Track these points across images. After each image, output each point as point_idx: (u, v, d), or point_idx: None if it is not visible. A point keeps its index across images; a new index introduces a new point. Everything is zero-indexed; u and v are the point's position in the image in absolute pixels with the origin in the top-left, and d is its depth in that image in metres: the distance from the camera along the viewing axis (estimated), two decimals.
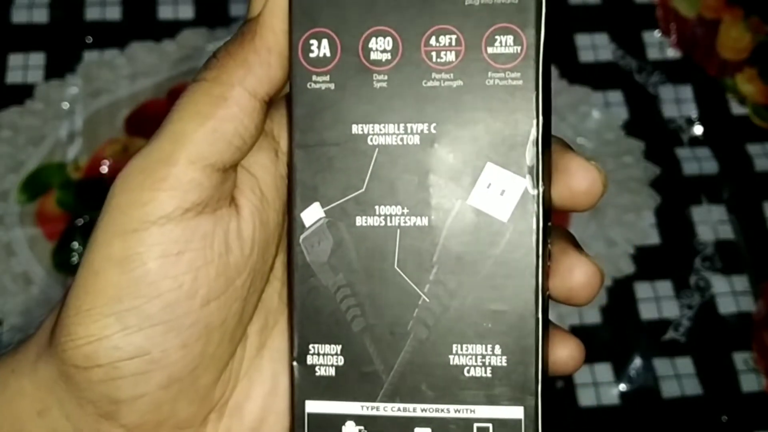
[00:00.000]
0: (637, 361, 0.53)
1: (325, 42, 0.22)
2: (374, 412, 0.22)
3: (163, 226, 0.20)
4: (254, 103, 0.21)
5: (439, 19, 0.22)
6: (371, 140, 0.22)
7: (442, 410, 0.22)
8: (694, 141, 0.60)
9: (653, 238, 0.56)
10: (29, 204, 0.54)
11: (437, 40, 0.22)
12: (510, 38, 0.21)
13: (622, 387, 0.52)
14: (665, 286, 0.55)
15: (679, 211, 0.57)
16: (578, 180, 0.21)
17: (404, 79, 0.22)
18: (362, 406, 0.22)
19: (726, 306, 0.55)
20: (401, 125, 0.22)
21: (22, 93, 0.58)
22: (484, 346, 0.22)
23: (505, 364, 0.21)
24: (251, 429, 0.23)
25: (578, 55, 0.61)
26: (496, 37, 0.21)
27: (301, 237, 0.22)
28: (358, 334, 0.22)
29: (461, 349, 0.22)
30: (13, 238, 0.53)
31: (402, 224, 0.22)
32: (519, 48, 0.21)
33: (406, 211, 0.22)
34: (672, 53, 0.62)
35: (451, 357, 0.22)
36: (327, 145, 0.22)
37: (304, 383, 0.22)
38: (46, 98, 0.58)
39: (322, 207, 0.22)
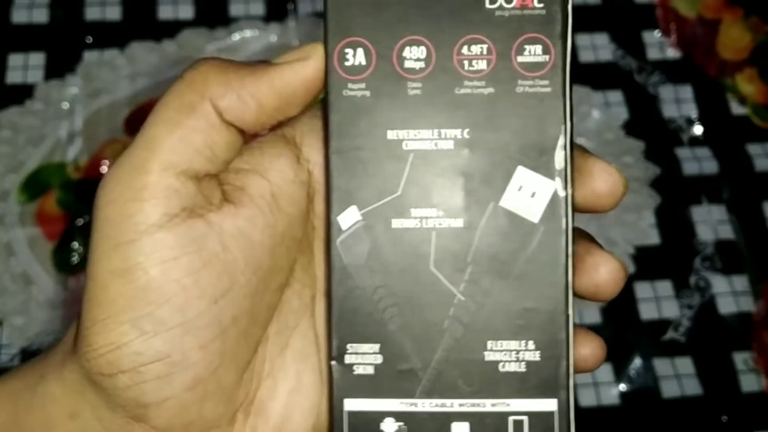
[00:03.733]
0: (637, 361, 0.53)
1: (360, 51, 0.23)
2: (412, 408, 0.23)
3: (154, 235, 0.21)
4: (221, 123, 0.22)
5: (471, 29, 0.22)
6: (406, 145, 0.23)
7: (479, 405, 0.22)
8: (694, 141, 0.60)
9: (653, 238, 0.56)
10: (29, 204, 0.54)
11: (469, 49, 0.22)
12: (538, 48, 0.22)
13: (622, 387, 0.52)
14: (665, 286, 0.55)
15: (679, 211, 0.57)
16: (601, 182, 0.22)
17: (437, 86, 0.23)
18: (401, 403, 0.23)
19: (726, 306, 0.55)
20: (435, 131, 0.23)
21: (22, 93, 0.58)
22: (518, 342, 0.22)
23: (538, 359, 0.22)
24: (276, 427, 0.23)
25: (578, 55, 0.61)
26: (525, 46, 0.22)
27: (338, 240, 0.23)
28: (395, 333, 0.23)
29: (496, 345, 0.22)
30: (13, 238, 0.53)
31: (437, 226, 0.23)
32: (547, 57, 0.22)
33: (441, 213, 0.23)
34: (672, 53, 0.62)
35: (486, 353, 0.22)
36: (363, 150, 0.23)
37: (342, 382, 0.23)
38: (46, 98, 0.58)
39: (359, 210, 0.23)
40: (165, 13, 0.61)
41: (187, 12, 0.61)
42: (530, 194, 0.22)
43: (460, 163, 0.22)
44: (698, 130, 0.60)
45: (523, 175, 0.22)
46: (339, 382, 0.23)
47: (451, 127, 0.22)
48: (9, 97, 0.57)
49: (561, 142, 0.22)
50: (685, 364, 0.53)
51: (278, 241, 0.23)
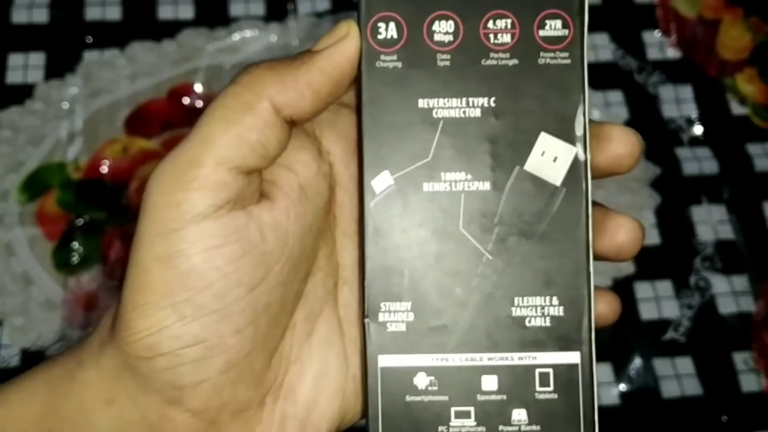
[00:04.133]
0: (637, 361, 0.53)
1: (392, 25, 0.24)
2: (443, 363, 0.24)
3: (199, 224, 0.22)
4: (277, 120, 0.23)
5: (496, 5, 0.24)
6: (436, 113, 0.24)
7: (507, 358, 0.24)
8: (694, 141, 0.60)
9: (653, 238, 0.56)
10: (29, 204, 0.54)
11: (494, 24, 0.24)
12: (559, 22, 0.24)
13: (622, 387, 0.52)
14: (665, 286, 0.55)
15: (679, 211, 0.57)
16: (620, 144, 0.24)
17: (465, 58, 0.24)
18: (432, 358, 0.24)
19: (726, 306, 0.55)
20: (463, 99, 0.24)
21: (22, 93, 0.58)
22: (543, 297, 0.24)
23: (562, 314, 0.24)
24: (305, 410, 0.24)
25: None
26: (546, 21, 0.24)
27: (372, 203, 0.24)
28: (426, 291, 0.24)
29: (522, 302, 0.24)
30: (13, 238, 0.53)
31: (466, 189, 0.24)
32: (567, 31, 0.24)
33: (469, 177, 0.24)
34: (672, 53, 0.62)
35: (513, 309, 0.24)
36: (395, 118, 0.24)
37: (376, 339, 0.24)
38: (46, 98, 0.58)
39: (392, 175, 0.24)
40: (165, 13, 0.61)
41: (187, 12, 0.61)
42: (552, 158, 0.24)
43: (486, 129, 0.24)
44: (698, 130, 0.60)
45: (545, 140, 0.24)
46: (373, 340, 0.24)
47: (478, 95, 0.24)
48: (9, 97, 0.57)
49: (581, 109, 0.24)
50: (685, 364, 0.53)
51: (307, 231, 0.24)
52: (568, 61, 0.24)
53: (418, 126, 0.24)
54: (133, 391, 0.22)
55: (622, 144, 0.24)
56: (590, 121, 0.24)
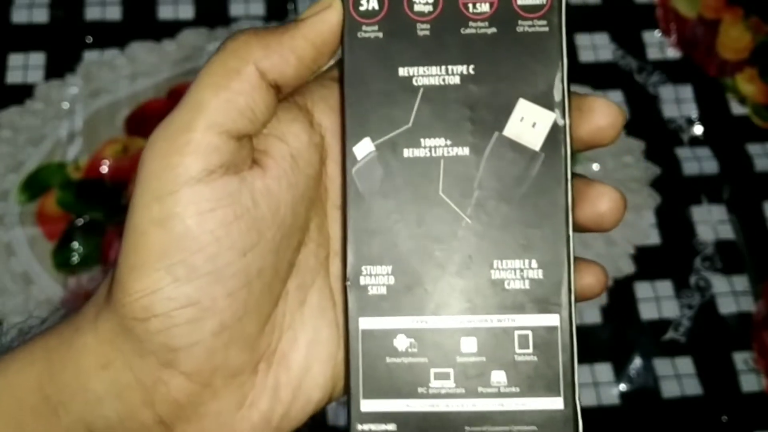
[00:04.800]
0: (637, 361, 0.53)
1: None
2: (423, 325, 0.24)
3: (193, 187, 0.22)
4: (264, 84, 0.23)
5: None
6: (416, 81, 0.24)
7: (486, 320, 0.24)
8: (694, 141, 0.60)
9: (653, 238, 0.56)
10: (29, 204, 0.54)
11: None
12: None
13: (622, 387, 0.52)
14: (665, 286, 0.55)
15: (680, 211, 0.57)
16: (602, 116, 0.24)
17: (445, 27, 0.24)
18: (412, 320, 0.24)
19: (726, 306, 0.55)
20: (443, 67, 0.24)
21: (22, 93, 0.58)
22: (522, 261, 0.24)
23: (541, 277, 0.24)
24: (297, 377, 0.25)
25: (578, 54, 0.61)
26: None
27: (354, 169, 0.24)
28: (407, 255, 0.24)
29: (502, 265, 0.24)
30: (13, 238, 0.53)
31: (446, 154, 0.24)
32: (544, 0, 0.24)
33: (449, 142, 0.24)
34: (672, 53, 0.62)
35: (492, 272, 0.24)
36: (376, 86, 0.24)
37: (357, 302, 0.24)
38: (47, 98, 0.58)
39: (373, 141, 0.24)
40: (165, 13, 0.61)
41: (187, 12, 0.61)
42: (531, 124, 0.24)
43: (465, 96, 0.24)
44: (698, 130, 0.60)
45: (524, 107, 0.24)
46: (354, 303, 0.24)
47: (457, 63, 0.24)
48: (9, 96, 0.58)
49: (559, 76, 0.24)
50: (685, 364, 0.53)
51: (299, 200, 0.24)
52: (546, 29, 0.24)
53: (398, 94, 0.24)
54: (128, 354, 0.23)
55: (604, 115, 0.24)
56: (574, 93, 0.24)
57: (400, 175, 0.24)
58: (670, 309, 0.54)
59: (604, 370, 0.53)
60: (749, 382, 0.52)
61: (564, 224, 0.24)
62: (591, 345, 0.53)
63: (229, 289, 0.23)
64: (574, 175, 0.24)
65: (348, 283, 0.24)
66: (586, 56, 0.61)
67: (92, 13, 0.61)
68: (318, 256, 0.26)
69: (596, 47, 0.62)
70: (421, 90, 0.24)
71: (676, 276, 0.55)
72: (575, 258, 0.24)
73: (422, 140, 0.24)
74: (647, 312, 0.54)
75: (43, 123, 0.57)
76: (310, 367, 0.25)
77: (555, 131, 0.24)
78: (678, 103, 0.61)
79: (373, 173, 0.24)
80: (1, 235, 0.53)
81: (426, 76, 0.24)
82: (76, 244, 0.53)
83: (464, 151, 0.24)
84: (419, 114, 0.24)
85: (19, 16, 0.60)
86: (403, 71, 0.24)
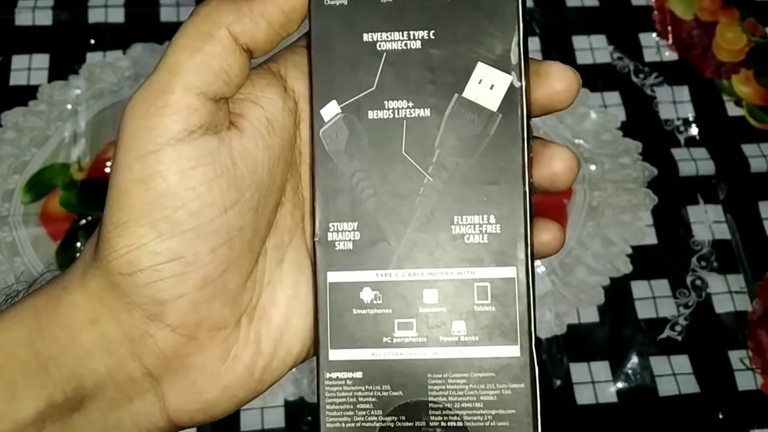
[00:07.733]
0: (634, 360, 0.53)
1: None
2: (387, 278, 0.25)
3: (174, 146, 0.23)
4: (236, 47, 0.24)
5: None
6: (380, 46, 0.25)
7: (447, 273, 0.25)
8: (691, 142, 0.60)
9: (650, 237, 0.57)
10: (33, 204, 0.55)
11: None
12: None
13: (620, 385, 0.53)
14: (662, 286, 0.55)
15: (676, 211, 0.58)
16: (557, 81, 0.25)
17: None
18: (377, 274, 0.25)
19: (722, 305, 0.55)
20: (405, 33, 0.25)
21: (26, 94, 0.58)
22: (480, 216, 0.25)
23: (499, 231, 0.25)
24: (278, 331, 0.26)
25: (576, 56, 0.62)
26: None
27: (321, 130, 0.25)
28: (372, 212, 0.25)
29: (461, 220, 0.25)
30: (18, 238, 0.54)
31: (408, 116, 0.25)
32: None
33: (411, 104, 0.25)
34: (669, 55, 0.63)
35: (452, 227, 0.25)
36: (342, 51, 0.25)
37: (325, 257, 0.25)
38: (50, 99, 0.58)
39: (339, 104, 0.25)
40: (167, 15, 0.62)
41: (188, 14, 0.61)
42: (489, 86, 0.25)
43: (427, 60, 0.25)
44: (695, 131, 0.60)
45: (482, 70, 0.25)
46: (322, 258, 0.25)
47: (418, 29, 0.25)
48: (13, 98, 0.58)
49: (515, 40, 0.25)
50: (681, 363, 0.53)
51: (275, 162, 0.25)
52: None
53: (363, 58, 0.25)
54: (115, 308, 0.24)
55: (559, 80, 0.25)
56: (532, 59, 0.25)
57: (365, 136, 0.25)
58: (667, 308, 0.55)
59: (601, 369, 0.53)
60: (745, 380, 0.53)
61: (521, 181, 0.25)
62: (588, 343, 0.54)
63: (212, 245, 0.24)
64: (533, 137, 0.25)
65: (316, 239, 0.25)
66: (583, 58, 0.62)
67: (95, 15, 0.61)
68: (294, 217, 0.27)
69: (593, 49, 0.62)
70: (385, 54, 0.25)
71: (672, 275, 0.56)
72: (534, 216, 0.25)
73: (386, 102, 0.25)
74: (644, 311, 0.55)
75: (46, 124, 0.57)
76: (290, 321, 0.26)
77: (512, 92, 0.25)
78: (675, 104, 0.61)
79: (340, 134, 0.25)
80: (5, 235, 0.54)
81: (389, 41, 0.25)
82: (79, 244, 0.54)
83: (426, 112, 0.25)
84: (383, 77, 0.25)
85: (22, 18, 0.61)
86: (367, 36, 0.25)
